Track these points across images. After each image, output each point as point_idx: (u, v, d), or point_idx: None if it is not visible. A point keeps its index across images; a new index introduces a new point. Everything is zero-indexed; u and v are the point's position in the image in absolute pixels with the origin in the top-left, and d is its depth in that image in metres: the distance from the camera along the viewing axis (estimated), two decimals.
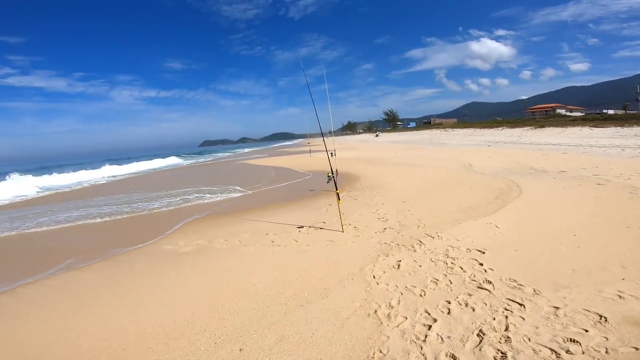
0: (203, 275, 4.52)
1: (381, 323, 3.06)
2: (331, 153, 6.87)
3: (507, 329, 2.79)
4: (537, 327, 2.77)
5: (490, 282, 3.62)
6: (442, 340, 2.74)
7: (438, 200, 7.58)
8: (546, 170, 10.67)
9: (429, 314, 3.15)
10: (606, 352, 2.43)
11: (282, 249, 5.26)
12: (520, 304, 3.14)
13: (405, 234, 5.47)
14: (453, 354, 2.56)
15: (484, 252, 4.44)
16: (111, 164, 33.91)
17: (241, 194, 11.16)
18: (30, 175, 23.35)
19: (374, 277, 4.00)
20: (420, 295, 3.50)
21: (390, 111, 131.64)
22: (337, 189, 5.95)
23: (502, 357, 2.48)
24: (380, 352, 2.67)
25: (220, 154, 58.31)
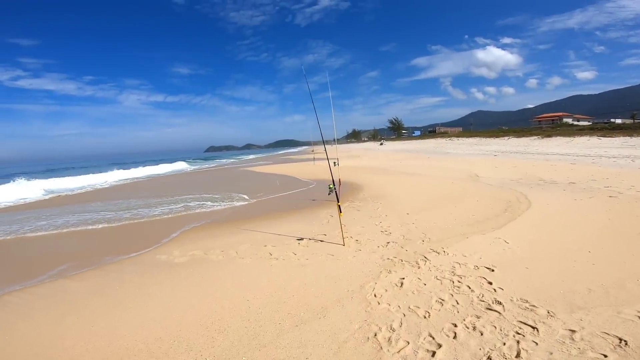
0: (195, 289, 4.31)
1: (381, 348, 2.83)
2: (334, 162, 6.69)
3: (518, 355, 2.59)
4: (551, 353, 2.57)
5: (500, 303, 3.39)
6: None
7: (444, 213, 7.33)
8: (555, 181, 10.39)
9: (434, 338, 2.92)
10: None
11: (280, 262, 5.04)
12: (533, 327, 2.93)
13: (409, 248, 5.23)
14: None
15: (493, 270, 4.20)
16: (118, 168, 34.17)
17: (243, 202, 10.99)
18: (37, 179, 23.51)
19: (374, 295, 3.76)
20: (424, 317, 3.26)
21: (395, 119, 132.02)
22: (338, 201, 5.73)
23: None
24: None
25: (225, 160, 58.54)
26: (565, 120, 61.91)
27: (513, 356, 2.56)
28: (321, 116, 6.25)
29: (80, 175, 28.24)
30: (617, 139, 25.21)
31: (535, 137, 34.41)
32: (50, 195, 16.55)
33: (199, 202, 11.18)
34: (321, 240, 5.96)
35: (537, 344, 2.69)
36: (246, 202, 10.83)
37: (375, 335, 3.02)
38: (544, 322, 2.99)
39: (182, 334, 3.27)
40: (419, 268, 4.43)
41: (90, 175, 27.42)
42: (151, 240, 6.81)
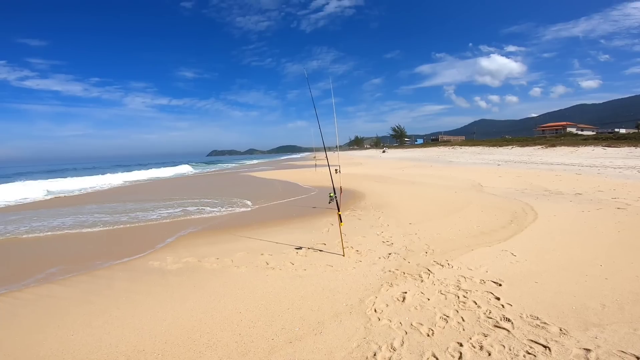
0: (185, 299, 4.11)
1: None
2: (335, 169, 6.51)
3: None
4: None
5: (509, 320, 3.20)
6: None
7: (447, 223, 7.11)
8: (561, 192, 10.19)
9: (437, 358, 2.72)
10: None
11: (276, 272, 4.82)
12: (545, 346, 2.76)
13: (412, 260, 5.01)
14: None
15: (500, 284, 4.00)
16: (122, 171, 34.28)
17: (242, 208, 10.81)
18: (40, 180, 23.59)
19: (375, 311, 3.55)
20: (428, 335, 3.05)
21: (397, 127, 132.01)
22: (339, 210, 5.53)
23: None
24: None
25: (227, 165, 58.71)
26: (569, 129, 61.73)
27: None
28: (324, 122, 6.10)
29: (83, 176, 28.39)
30: (622, 149, 25.03)
31: (539, 146, 34.21)
32: (51, 196, 16.50)
33: (198, 207, 11.01)
34: (320, 250, 5.75)
35: None
36: (245, 208, 10.64)
37: (375, 355, 2.81)
38: (556, 341, 2.82)
39: (167, 347, 3.07)
40: (422, 282, 4.21)
41: (93, 177, 27.50)
42: (146, 245, 6.64)
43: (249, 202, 11.69)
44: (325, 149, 6.39)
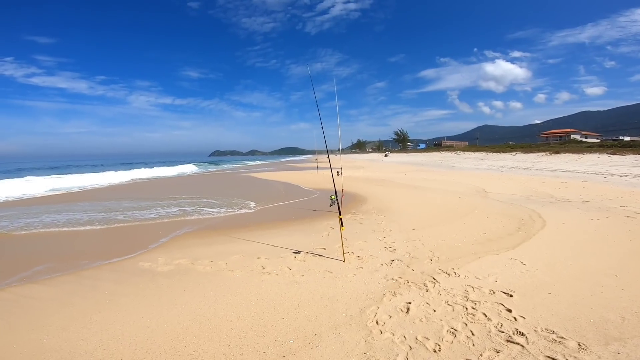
0: (173, 303, 3.84)
1: None
2: (337, 172, 6.27)
3: None
4: None
5: (523, 334, 2.96)
6: None
7: (452, 230, 6.84)
8: (568, 199, 9.92)
9: None
10: None
11: (272, 278, 4.55)
12: None
13: (416, 268, 4.74)
14: None
15: (511, 295, 3.74)
16: (126, 169, 34.24)
17: (241, 209, 10.56)
18: (43, 176, 23.51)
19: (376, 322, 3.28)
20: (434, 351, 2.79)
21: (400, 131, 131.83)
22: (340, 214, 5.26)
23: None
24: None
25: (229, 165, 58.71)
26: (573, 136, 61.22)
27: None
28: (327, 125, 5.86)
29: (85, 173, 28.25)
30: (627, 157, 24.75)
31: (543, 153, 33.89)
32: (50, 193, 16.35)
33: (196, 207, 10.77)
34: (320, 255, 5.48)
35: None
36: (245, 209, 10.39)
37: None
38: (575, 357, 2.62)
39: (147, 357, 2.82)
40: (427, 291, 3.94)
41: (95, 174, 27.34)
42: (138, 244, 6.40)
43: (248, 203, 11.44)
44: (327, 152, 6.18)
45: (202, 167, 48.64)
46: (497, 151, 44.33)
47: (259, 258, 5.38)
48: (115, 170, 31.74)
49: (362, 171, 27.62)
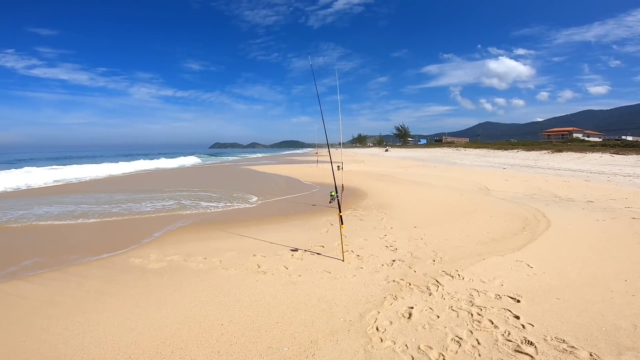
0: (162, 304, 3.66)
1: None
2: (338, 166, 6.05)
3: None
4: None
5: (532, 344, 2.79)
6: None
7: (455, 228, 6.64)
8: (572, 199, 9.71)
9: None
10: None
11: (268, 277, 4.36)
12: None
13: (419, 269, 4.54)
14: None
15: (518, 300, 3.55)
16: (129, 160, 34.11)
17: (239, 203, 10.35)
18: (43, 167, 23.35)
19: (377, 329, 3.08)
20: None
21: (401, 126, 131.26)
22: (340, 211, 5.05)
23: None
24: None
25: (229, 157, 58.53)
26: (575, 135, 60.85)
27: None
28: (328, 119, 5.64)
29: (85, 164, 28.03)
30: (630, 157, 24.49)
31: (545, 151, 33.56)
32: (50, 184, 16.14)
33: (193, 201, 10.57)
34: (318, 253, 5.28)
35: None
36: (243, 203, 10.19)
37: None
38: None
39: None
40: (430, 295, 3.75)
41: (95, 165, 27.11)
42: (130, 239, 6.20)
43: (247, 197, 11.24)
44: (328, 146, 5.96)
45: (203, 159, 48.62)
46: (499, 148, 43.97)
47: (254, 255, 5.18)
48: (116, 162, 31.53)
49: (362, 165, 27.40)
